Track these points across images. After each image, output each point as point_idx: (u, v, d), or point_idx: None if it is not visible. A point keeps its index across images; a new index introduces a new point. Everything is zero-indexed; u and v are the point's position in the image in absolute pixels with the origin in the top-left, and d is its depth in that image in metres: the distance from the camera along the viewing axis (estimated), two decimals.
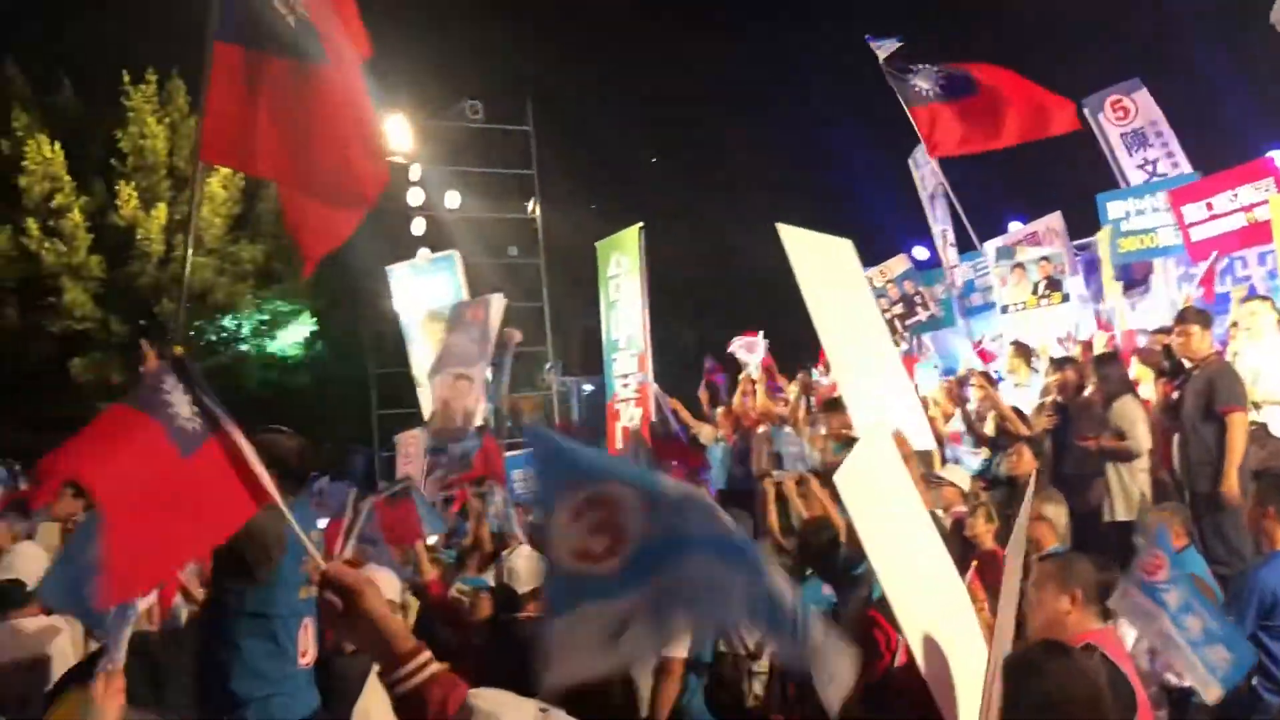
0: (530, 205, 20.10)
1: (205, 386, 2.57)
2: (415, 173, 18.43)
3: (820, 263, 5.11)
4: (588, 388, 20.70)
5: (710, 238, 26.86)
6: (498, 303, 10.62)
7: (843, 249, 5.69)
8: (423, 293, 15.94)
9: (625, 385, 13.36)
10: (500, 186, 20.29)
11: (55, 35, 22.07)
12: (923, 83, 12.28)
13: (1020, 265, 11.95)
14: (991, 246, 13.13)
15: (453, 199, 18.92)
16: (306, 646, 3.72)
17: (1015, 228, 14.08)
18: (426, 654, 2.07)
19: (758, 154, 27.99)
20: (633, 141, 29.17)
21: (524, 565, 5.28)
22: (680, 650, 4.82)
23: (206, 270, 22.11)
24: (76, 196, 21.22)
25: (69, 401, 20.69)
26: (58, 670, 4.26)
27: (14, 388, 20.30)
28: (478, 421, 10.61)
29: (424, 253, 17.76)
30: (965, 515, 6.37)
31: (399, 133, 17.09)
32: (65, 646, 4.73)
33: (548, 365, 20.36)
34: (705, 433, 11.24)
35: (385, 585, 4.53)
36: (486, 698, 1.66)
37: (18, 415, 18.47)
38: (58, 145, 21.09)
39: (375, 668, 4.05)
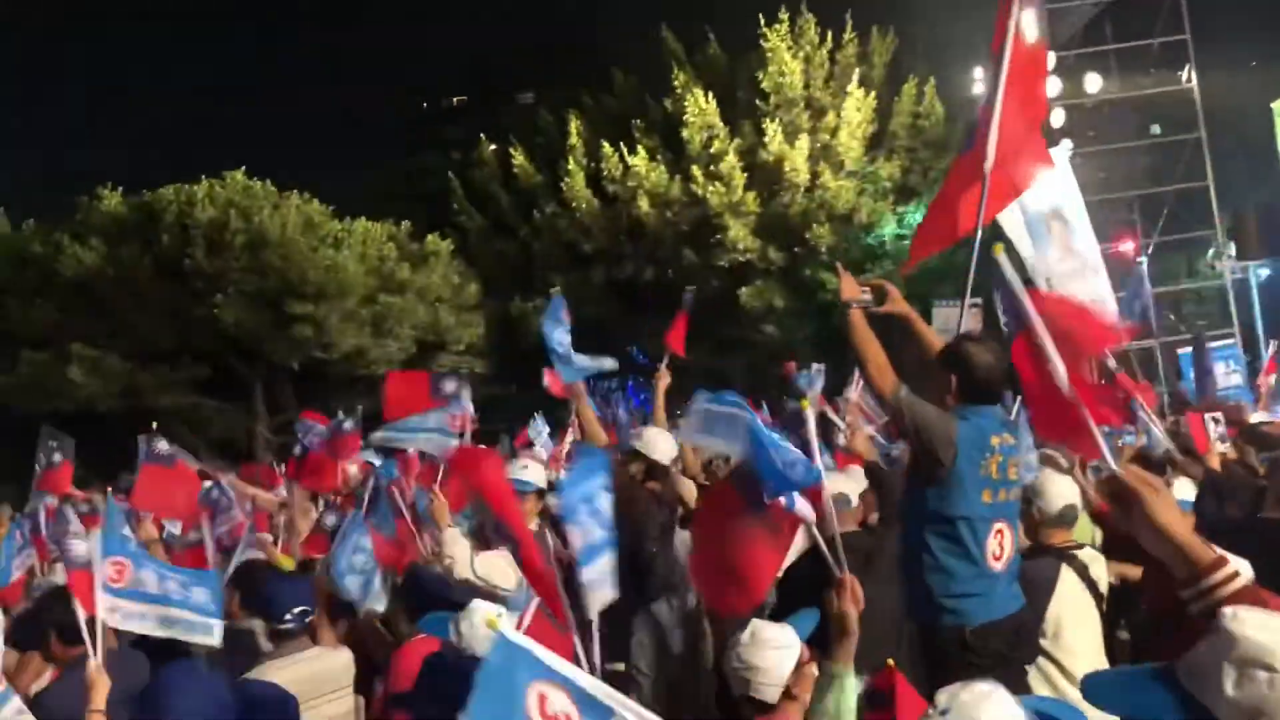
0: (1185, 74, 17.99)
1: None
2: (1050, 60, 17.40)
3: None
4: (1265, 272, 18.32)
5: None
6: None
7: None
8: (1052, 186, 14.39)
9: None
10: (1146, 60, 18.44)
11: None
12: None
13: None
14: None
15: (1093, 82, 17.61)
16: (999, 550, 3.69)
17: None
18: (1231, 567, 1.77)
19: None
20: None
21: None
22: None
23: (849, 193, 23.10)
24: (730, 140, 23.28)
25: (740, 325, 23.09)
26: None
27: (696, 318, 22.99)
28: None
29: (1065, 144, 16.77)
30: None
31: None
32: None
33: (1210, 250, 18.30)
34: None
35: None
36: (1244, 619, 1.43)
37: (701, 341, 20.89)
38: (710, 96, 23.28)
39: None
